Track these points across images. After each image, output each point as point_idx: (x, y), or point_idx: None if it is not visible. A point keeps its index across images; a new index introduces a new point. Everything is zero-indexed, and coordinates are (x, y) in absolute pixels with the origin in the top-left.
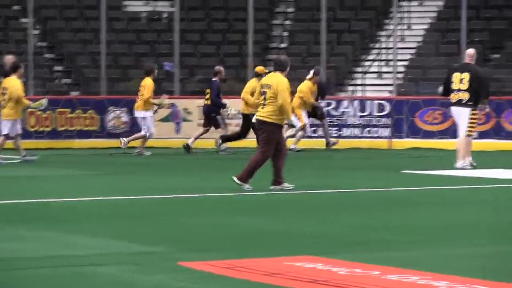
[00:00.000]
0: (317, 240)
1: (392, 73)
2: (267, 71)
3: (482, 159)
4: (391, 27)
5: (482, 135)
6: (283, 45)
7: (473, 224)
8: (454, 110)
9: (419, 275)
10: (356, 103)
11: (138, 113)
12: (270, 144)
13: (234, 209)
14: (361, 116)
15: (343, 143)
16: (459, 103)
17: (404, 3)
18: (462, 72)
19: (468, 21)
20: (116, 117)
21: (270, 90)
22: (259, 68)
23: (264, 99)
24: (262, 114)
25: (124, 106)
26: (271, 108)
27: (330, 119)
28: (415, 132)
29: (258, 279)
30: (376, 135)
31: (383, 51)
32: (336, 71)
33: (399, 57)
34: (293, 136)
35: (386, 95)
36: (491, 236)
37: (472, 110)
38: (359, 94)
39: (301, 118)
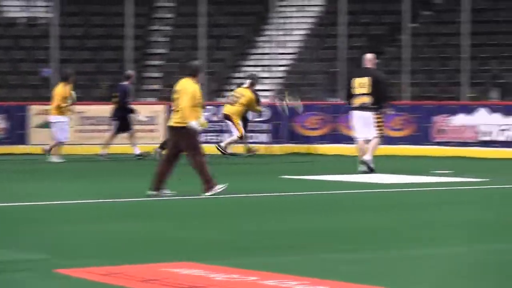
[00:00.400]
0: (195, 246)
1: (271, 78)
2: None
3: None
4: (270, 32)
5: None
6: (162, 51)
7: (351, 228)
8: (357, 114)
9: (297, 280)
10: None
11: (52, 118)
12: (197, 146)
13: (117, 215)
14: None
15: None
16: (362, 107)
17: (283, 9)
18: (362, 76)
19: (347, 26)
20: None
21: (179, 95)
22: None
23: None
24: (177, 120)
25: (5, 112)
26: (180, 113)
27: (210, 125)
28: (295, 137)
29: (134, 286)
30: (255, 140)
31: (262, 56)
32: (215, 77)
33: (278, 62)
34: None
35: (266, 100)
36: (368, 241)
37: (376, 113)
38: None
39: (238, 127)
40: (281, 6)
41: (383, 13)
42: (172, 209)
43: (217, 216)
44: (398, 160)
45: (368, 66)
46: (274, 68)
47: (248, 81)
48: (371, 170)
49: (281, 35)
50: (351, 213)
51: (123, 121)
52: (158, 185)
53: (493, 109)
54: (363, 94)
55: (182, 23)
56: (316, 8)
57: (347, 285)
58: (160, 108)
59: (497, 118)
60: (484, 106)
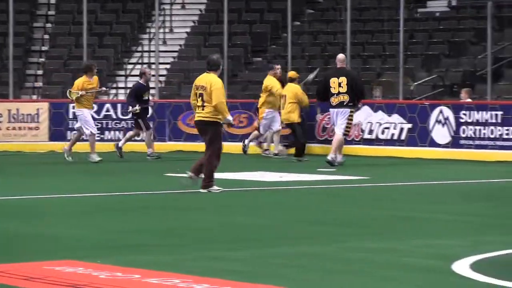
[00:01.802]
0: (78, 244)
1: (154, 76)
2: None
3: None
4: (153, 30)
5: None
6: (44, 48)
7: (227, 225)
8: (335, 111)
9: (180, 278)
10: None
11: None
12: (217, 142)
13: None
14: (124, 120)
15: (104, 147)
16: (341, 105)
17: (166, 7)
18: (338, 76)
19: (229, 24)
20: None
21: (206, 91)
22: (292, 73)
23: (202, 100)
24: (203, 115)
25: None
26: (210, 108)
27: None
28: (178, 135)
29: (16, 284)
30: (138, 138)
31: (146, 54)
32: (98, 74)
33: (162, 60)
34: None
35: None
36: (246, 239)
37: (351, 111)
38: (121, 98)
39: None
40: (164, 3)
41: (267, 11)
42: (46, 208)
43: (95, 215)
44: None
45: (343, 66)
46: (156, 66)
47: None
48: (332, 164)
49: (164, 32)
50: (227, 211)
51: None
52: (197, 171)
53: (376, 107)
54: (342, 93)
55: (64, 20)
56: (199, 6)
57: (228, 283)
58: (43, 106)
59: (380, 116)
60: (367, 104)
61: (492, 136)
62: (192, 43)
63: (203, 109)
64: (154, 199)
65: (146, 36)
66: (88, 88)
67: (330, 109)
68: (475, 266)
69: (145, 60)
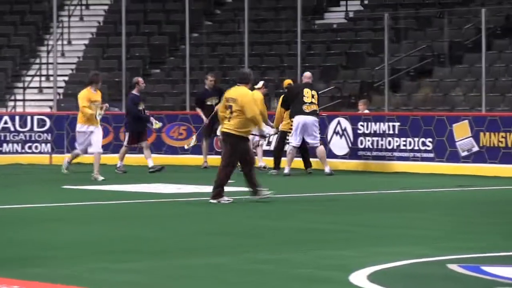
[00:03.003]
0: None
1: (53, 88)
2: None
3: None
4: (52, 42)
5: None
6: None
7: (115, 238)
8: (305, 118)
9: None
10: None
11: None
12: (234, 156)
13: None
14: (22, 132)
15: (4, 159)
16: (313, 113)
17: (64, 19)
18: (311, 89)
19: (128, 36)
20: None
21: (236, 103)
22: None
23: (231, 112)
24: (228, 127)
25: None
26: (237, 121)
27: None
28: (73, 146)
29: None
30: (37, 150)
31: (44, 66)
32: None
33: (60, 72)
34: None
35: (47, 110)
36: (144, 251)
37: (317, 120)
38: (19, 110)
39: None
40: (62, 16)
41: (165, 23)
42: None
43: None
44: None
45: (309, 82)
46: (54, 78)
47: (261, 83)
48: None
49: (62, 44)
50: (125, 222)
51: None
52: (254, 189)
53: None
54: (313, 103)
55: None
56: (97, 18)
57: None
58: None
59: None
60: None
61: (389, 147)
62: (91, 54)
63: (229, 121)
64: (50, 212)
65: (44, 48)
66: (94, 101)
67: (299, 116)
68: (372, 277)
69: (43, 72)
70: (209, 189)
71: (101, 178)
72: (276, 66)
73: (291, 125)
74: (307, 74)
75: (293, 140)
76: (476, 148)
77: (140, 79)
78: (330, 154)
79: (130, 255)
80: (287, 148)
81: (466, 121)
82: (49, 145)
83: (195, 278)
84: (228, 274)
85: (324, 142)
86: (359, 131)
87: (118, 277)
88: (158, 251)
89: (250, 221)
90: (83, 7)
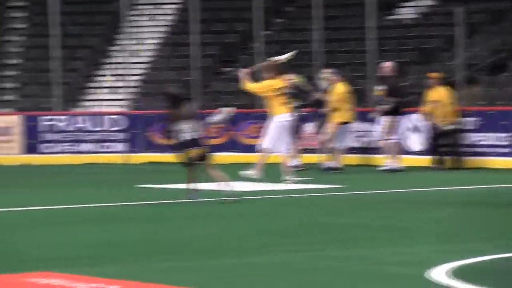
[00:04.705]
0: (54, 256)
1: (125, 87)
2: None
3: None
4: (123, 42)
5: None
6: (16, 61)
7: (193, 237)
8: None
9: (140, 286)
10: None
11: None
12: None
13: None
14: (96, 131)
15: (80, 159)
16: None
17: (135, 18)
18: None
19: (200, 34)
20: None
21: None
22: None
23: None
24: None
25: None
26: None
27: (64, 134)
28: (149, 146)
29: None
30: (111, 150)
31: (116, 66)
32: (69, 87)
33: (132, 72)
34: None
35: (122, 110)
36: (203, 250)
37: None
38: (93, 110)
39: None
40: (132, 15)
41: (236, 21)
42: (12, 221)
43: (65, 227)
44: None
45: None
46: (128, 78)
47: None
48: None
49: (133, 44)
50: (196, 221)
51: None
52: None
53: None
54: None
55: (35, 33)
56: (168, 17)
57: None
58: (15, 119)
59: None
60: None
61: (468, 143)
62: (162, 54)
63: None
64: (120, 211)
65: (116, 48)
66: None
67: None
68: (451, 273)
69: (116, 72)
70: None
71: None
72: (348, 63)
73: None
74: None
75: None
76: None
77: None
78: (405, 150)
79: (201, 254)
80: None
81: None
82: (123, 144)
83: (269, 276)
84: (302, 272)
85: (398, 138)
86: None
87: (189, 276)
88: (218, 249)
89: (317, 218)
90: (154, 6)
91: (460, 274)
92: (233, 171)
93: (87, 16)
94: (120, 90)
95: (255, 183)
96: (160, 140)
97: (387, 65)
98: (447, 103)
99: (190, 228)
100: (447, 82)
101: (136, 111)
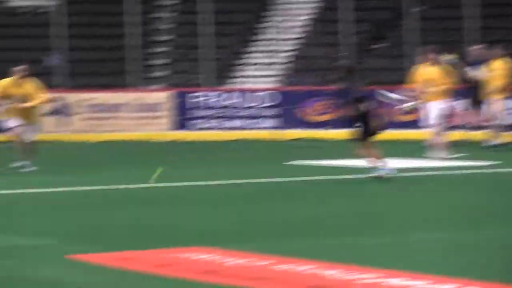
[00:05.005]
0: (207, 231)
1: (276, 64)
2: None
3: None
4: (274, 18)
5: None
6: (167, 38)
7: (360, 214)
8: None
9: (309, 264)
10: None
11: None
12: None
13: (116, 203)
14: (246, 107)
15: (229, 135)
16: None
17: None
18: None
19: (352, 11)
20: None
21: None
22: None
23: None
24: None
25: None
26: None
27: (215, 110)
28: (301, 123)
29: (149, 270)
30: (261, 126)
31: (267, 42)
32: (220, 63)
33: (282, 48)
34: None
35: (273, 86)
36: (379, 227)
37: None
38: (244, 86)
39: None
40: None
41: None
42: (161, 197)
43: (222, 204)
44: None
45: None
46: (279, 54)
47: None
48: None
49: (284, 20)
50: (357, 198)
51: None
52: None
53: None
54: None
55: (187, 10)
56: None
57: (358, 269)
58: (165, 95)
59: None
60: None
61: None
62: (313, 30)
63: None
64: (272, 188)
65: (267, 24)
66: None
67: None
68: None
69: (266, 48)
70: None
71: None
72: (504, 39)
73: None
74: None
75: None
76: None
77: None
78: None
79: (374, 230)
80: None
81: None
82: (273, 120)
83: (448, 251)
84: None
85: None
86: None
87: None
88: (397, 226)
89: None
90: None
91: None
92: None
93: None
94: (271, 67)
95: (408, 160)
96: (311, 116)
97: None
98: None
99: (345, 205)
100: None
101: (287, 87)
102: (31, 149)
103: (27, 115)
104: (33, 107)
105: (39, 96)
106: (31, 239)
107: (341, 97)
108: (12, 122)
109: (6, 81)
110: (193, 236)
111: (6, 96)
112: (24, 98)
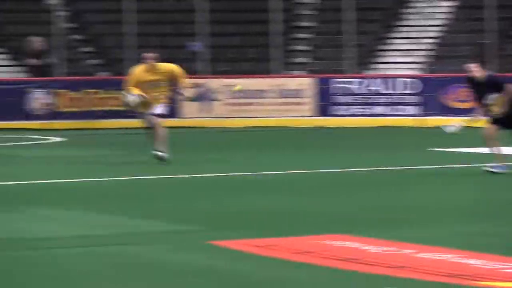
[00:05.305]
0: (346, 219)
1: (419, 50)
2: None
3: None
4: (417, 4)
5: None
6: (310, 24)
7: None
8: None
9: (452, 253)
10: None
11: None
12: None
13: (259, 189)
14: (388, 94)
15: (371, 121)
16: None
17: None
18: None
19: None
20: None
21: None
22: None
23: None
24: None
25: None
26: None
27: (357, 97)
28: (443, 110)
29: (289, 257)
30: (405, 113)
31: (410, 28)
32: (362, 49)
33: (426, 34)
34: None
35: (416, 73)
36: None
37: None
38: (386, 73)
39: None
40: None
41: None
42: (306, 183)
43: (360, 190)
44: None
45: None
46: (421, 40)
47: None
48: None
49: (427, 6)
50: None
51: None
52: None
53: None
54: None
55: None
56: None
57: (503, 259)
58: (307, 81)
59: None
60: None
61: None
62: (457, 17)
63: None
64: (413, 173)
65: (410, 10)
66: None
67: None
68: None
69: (409, 34)
70: None
71: None
72: None
73: None
74: None
75: None
76: None
77: None
78: None
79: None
80: None
81: None
82: (417, 107)
83: None
84: None
85: None
86: None
87: (489, 240)
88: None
89: None
90: None
91: None
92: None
93: None
94: (414, 53)
95: None
96: (453, 103)
97: None
98: None
99: (484, 192)
100: None
101: (430, 74)
102: (160, 135)
103: (158, 99)
104: (164, 91)
105: (182, 80)
106: (171, 225)
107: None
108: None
109: (139, 67)
110: (331, 223)
111: (139, 83)
112: (157, 84)
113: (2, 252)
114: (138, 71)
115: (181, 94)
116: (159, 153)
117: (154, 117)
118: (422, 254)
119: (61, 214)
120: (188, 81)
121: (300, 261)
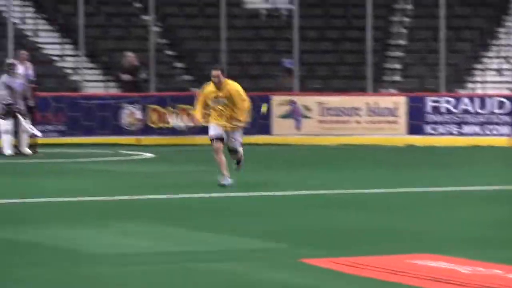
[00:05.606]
0: (439, 238)
1: (499, 70)
2: None
3: None
4: (511, 23)
5: None
6: (402, 42)
7: None
8: None
9: None
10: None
11: None
12: None
13: (342, 205)
14: (481, 113)
15: (462, 141)
16: None
17: None
18: None
19: None
20: None
21: None
22: None
23: None
24: None
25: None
26: None
27: (450, 115)
28: None
29: (383, 277)
30: (496, 133)
31: (503, 48)
32: (455, 68)
33: None
34: None
35: (507, 92)
36: None
37: None
38: (479, 92)
39: None
40: None
41: None
42: (397, 201)
43: (445, 207)
44: None
45: None
46: None
47: None
48: None
49: None
50: None
51: None
52: None
53: None
54: None
55: (422, 14)
56: None
57: None
58: (400, 100)
59: None
60: None
61: None
62: None
63: None
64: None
65: (504, 29)
66: None
67: None
68: None
69: (502, 54)
70: None
71: None
72: None
73: None
74: None
75: None
76: None
77: None
78: None
79: None
80: None
81: None
82: (507, 127)
83: None
84: None
85: None
86: None
87: None
88: None
89: None
90: None
91: None
92: None
93: None
94: (506, 72)
95: None
96: None
97: None
98: None
99: None
100: None
101: None
102: (237, 158)
103: (229, 119)
104: (238, 111)
105: (243, 99)
106: (261, 242)
107: None
108: (212, 130)
109: (209, 84)
110: (415, 242)
111: (209, 100)
112: (226, 101)
113: (91, 268)
114: (207, 88)
115: (236, 122)
116: (224, 182)
117: (234, 141)
118: (510, 275)
119: (150, 230)
120: (247, 109)
121: (393, 281)
